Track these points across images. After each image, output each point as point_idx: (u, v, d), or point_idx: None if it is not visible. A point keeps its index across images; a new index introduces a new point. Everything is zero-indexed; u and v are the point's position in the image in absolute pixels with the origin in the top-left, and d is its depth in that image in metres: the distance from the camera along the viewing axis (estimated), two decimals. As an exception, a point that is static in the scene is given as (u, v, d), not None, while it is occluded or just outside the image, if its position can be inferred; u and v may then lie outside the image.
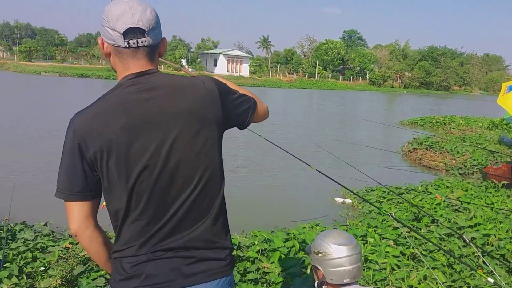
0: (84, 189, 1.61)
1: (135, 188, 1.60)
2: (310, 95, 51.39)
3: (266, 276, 4.07)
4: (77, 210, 1.63)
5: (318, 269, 2.31)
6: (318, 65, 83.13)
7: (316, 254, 2.30)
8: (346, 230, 5.50)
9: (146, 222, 1.63)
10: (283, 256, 4.44)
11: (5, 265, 4.32)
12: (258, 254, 4.51)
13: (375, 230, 5.43)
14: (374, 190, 8.15)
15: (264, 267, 4.16)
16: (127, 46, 1.56)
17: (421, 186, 8.40)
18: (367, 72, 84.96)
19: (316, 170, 4.59)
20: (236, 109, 1.78)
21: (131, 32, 1.54)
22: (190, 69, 44.66)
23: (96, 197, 1.66)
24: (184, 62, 71.34)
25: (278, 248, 4.48)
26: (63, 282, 3.91)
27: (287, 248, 4.52)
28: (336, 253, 2.24)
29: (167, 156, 1.59)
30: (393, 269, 4.33)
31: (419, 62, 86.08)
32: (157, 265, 1.63)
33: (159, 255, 1.64)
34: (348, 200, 7.78)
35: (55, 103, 24.58)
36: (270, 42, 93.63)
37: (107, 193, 1.64)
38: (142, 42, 1.56)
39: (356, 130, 20.78)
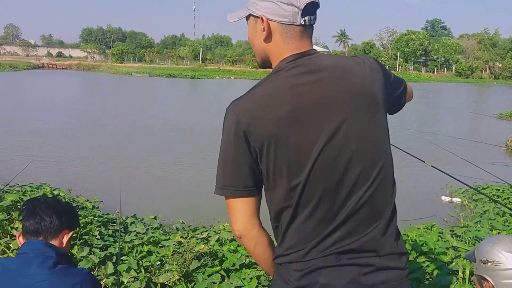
0: (250, 183, 1.45)
1: (307, 183, 1.41)
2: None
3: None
4: (242, 209, 1.48)
5: (486, 280, 2.01)
6: (399, 57, 79.71)
7: (484, 263, 2.00)
8: (464, 232, 5.04)
9: (317, 223, 1.44)
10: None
11: (121, 258, 4.47)
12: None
13: (499, 233, 4.91)
14: (485, 189, 7.47)
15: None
16: (303, 23, 1.40)
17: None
18: (453, 63, 79.91)
19: (432, 166, 4.27)
20: (395, 91, 1.62)
21: (310, 7, 1.40)
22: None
23: (260, 192, 1.50)
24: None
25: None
26: (180, 278, 3.94)
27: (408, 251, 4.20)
28: (510, 263, 1.93)
29: (341, 147, 1.40)
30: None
31: (510, 51, 79.29)
32: (332, 274, 1.43)
33: (332, 262, 1.43)
34: (457, 199, 7.21)
35: (156, 100, 25.84)
36: (347, 35, 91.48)
37: (271, 189, 1.47)
38: (312, 20, 1.42)
39: (446, 123, 19.53)
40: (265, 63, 1.55)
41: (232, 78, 57.26)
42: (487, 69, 78.11)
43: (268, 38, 1.45)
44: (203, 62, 72.31)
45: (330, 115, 1.40)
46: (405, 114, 22.74)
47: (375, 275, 1.44)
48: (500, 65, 78.09)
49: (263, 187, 1.50)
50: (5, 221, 5.40)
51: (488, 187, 7.50)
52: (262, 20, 1.42)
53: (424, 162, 4.43)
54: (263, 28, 1.44)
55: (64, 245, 1.94)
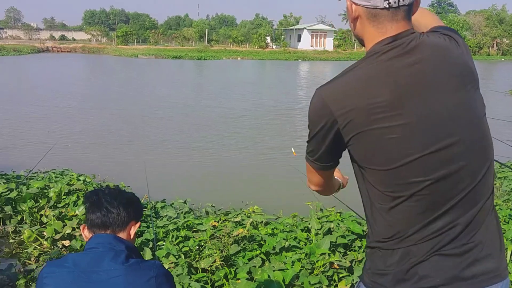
0: (332, 162, 1.53)
1: (406, 171, 1.33)
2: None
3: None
4: (319, 177, 1.61)
5: None
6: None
7: None
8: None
9: (420, 210, 1.35)
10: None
11: (157, 243, 4.42)
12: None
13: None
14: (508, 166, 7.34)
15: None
16: (387, 6, 1.32)
17: None
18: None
19: None
20: None
21: None
22: (274, 46, 44.38)
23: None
24: (268, 39, 71.15)
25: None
26: (222, 262, 3.88)
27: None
28: None
29: (446, 133, 1.31)
30: None
31: (519, 28, 77.79)
32: (431, 264, 1.36)
33: (432, 252, 1.36)
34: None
35: (168, 83, 25.70)
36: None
37: (368, 175, 1.40)
38: (400, 1, 1.31)
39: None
40: (363, 45, 1.49)
41: (239, 58, 56.76)
42: (495, 45, 76.79)
43: (355, 22, 1.42)
44: (208, 43, 71.65)
45: (431, 99, 1.31)
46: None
47: (475, 266, 1.37)
48: (508, 41, 76.71)
49: (357, 168, 1.47)
50: (34, 209, 5.37)
51: (510, 165, 7.37)
52: (348, 4, 1.41)
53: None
54: (350, 12, 1.42)
55: (131, 237, 1.86)
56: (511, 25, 79.74)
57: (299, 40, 72.51)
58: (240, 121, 14.16)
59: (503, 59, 69.14)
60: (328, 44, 71.44)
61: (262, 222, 4.72)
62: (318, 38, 72.36)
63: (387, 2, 1.31)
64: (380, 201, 1.40)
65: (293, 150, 7.78)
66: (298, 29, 74.51)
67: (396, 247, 1.39)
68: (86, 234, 1.83)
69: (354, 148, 1.38)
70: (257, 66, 46.43)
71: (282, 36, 74.35)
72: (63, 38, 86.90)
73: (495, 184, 6.80)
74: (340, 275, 3.50)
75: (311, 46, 69.85)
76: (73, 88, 22.68)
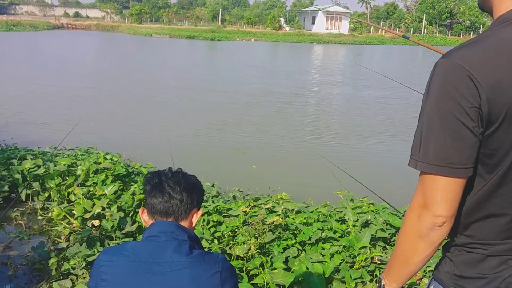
0: (472, 159, 1.17)
1: None
2: (416, 52, 47.98)
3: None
4: (449, 191, 1.18)
5: None
6: (424, 19, 77.12)
7: None
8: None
9: None
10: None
11: (188, 227, 4.37)
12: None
13: None
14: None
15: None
16: None
17: None
18: (480, 26, 77.08)
19: None
20: None
21: None
22: (288, 28, 43.74)
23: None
24: (282, 20, 70.26)
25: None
26: (257, 250, 3.82)
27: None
28: None
29: None
30: None
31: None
32: None
33: None
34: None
35: (188, 63, 25.57)
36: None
37: (488, 172, 1.21)
38: None
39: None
40: (483, 6, 1.34)
41: (253, 40, 56.22)
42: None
43: None
44: (222, 23, 70.99)
45: None
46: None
47: None
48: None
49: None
50: (62, 186, 5.34)
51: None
52: None
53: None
54: None
55: (193, 225, 1.74)
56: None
57: (313, 23, 71.48)
58: (264, 105, 14.04)
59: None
60: (344, 27, 70.38)
61: (293, 210, 4.64)
62: (333, 20, 71.26)
63: None
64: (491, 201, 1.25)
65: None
66: (313, 11, 73.41)
67: (492, 254, 1.27)
68: (145, 219, 1.71)
69: (495, 135, 1.16)
70: (271, 47, 45.97)
71: (296, 18, 73.35)
72: (77, 15, 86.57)
73: None
74: (382, 271, 3.41)
75: (326, 29, 68.88)
76: (92, 67, 22.62)
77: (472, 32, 78.23)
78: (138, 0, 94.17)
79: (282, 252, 3.77)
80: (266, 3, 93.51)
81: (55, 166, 5.62)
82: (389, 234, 3.82)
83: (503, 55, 1.12)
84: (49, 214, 4.87)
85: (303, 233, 3.93)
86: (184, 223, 1.68)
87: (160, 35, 53.65)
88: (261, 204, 4.90)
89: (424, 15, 78.11)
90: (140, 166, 6.14)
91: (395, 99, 15.62)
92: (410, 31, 74.99)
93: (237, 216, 4.36)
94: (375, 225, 3.91)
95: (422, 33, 73.92)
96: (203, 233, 4.01)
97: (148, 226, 1.67)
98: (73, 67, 21.04)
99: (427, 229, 1.22)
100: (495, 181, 1.21)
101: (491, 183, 1.21)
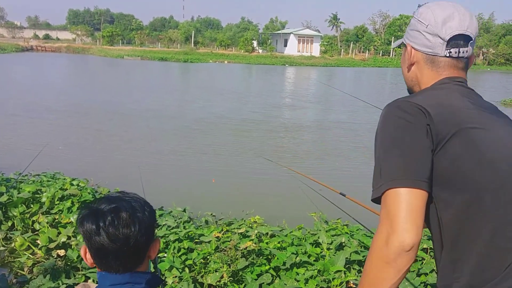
0: (426, 173, 1.21)
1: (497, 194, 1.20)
2: (386, 73, 49.25)
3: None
4: (418, 208, 1.18)
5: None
6: (393, 42, 79.42)
7: None
8: None
9: (504, 246, 1.20)
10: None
11: (159, 255, 4.21)
12: (425, 253, 4.06)
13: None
14: None
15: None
16: (447, 55, 1.36)
17: None
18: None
19: None
20: None
21: (456, 40, 1.35)
22: (260, 50, 44.42)
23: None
24: (255, 43, 71.11)
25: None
26: (230, 277, 3.70)
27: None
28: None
29: None
30: None
31: (505, 37, 79.30)
32: None
33: None
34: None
35: (155, 86, 25.35)
36: (339, 19, 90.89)
37: (447, 196, 1.23)
38: (463, 52, 1.36)
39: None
40: (411, 90, 1.52)
41: (226, 62, 56.55)
42: (481, 55, 78.21)
43: (412, 66, 1.45)
44: (195, 45, 71.24)
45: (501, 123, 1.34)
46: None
47: None
48: (494, 51, 78.12)
49: (434, 193, 1.26)
50: (26, 214, 5.11)
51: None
52: (409, 49, 1.44)
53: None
54: (408, 57, 1.44)
55: (152, 258, 1.46)
56: (497, 35, 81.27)
57: (285, 45, 72.63)
58: (237, 126, 13.99)
59: (488, 69, 70.45)
60: (315, 49, 71.72)
61: (267, 234, 4.55)
62: (305, 43, 72.59)
63: (448, 51, 1.35)
64: (459, 232, 1.25)
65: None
66: (285, 33, 74.68)
67: None
68: (90, 261, 1.35)
69: (445, 156, 1.26)
70: (244, 69, 46.32)
71: (269, 41, 74.42)
72: (47, 37, 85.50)
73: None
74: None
75: (298, 51, 70.03)
76: (61, 90, 22.19)
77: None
78: (109, 22, 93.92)
79: (256, 279, 3.68)
80: (239, 26, 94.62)
81: (19, 193, 5.39)
82: (363, 256, 3.77)
83: (440, 99, 1.31)
84: (12, 245, 4.64)
85: (277, 258, 3.84)
86: (140, 267, 1.38)
87: (132, 57, 53.34)
88: (234, 228, 4.80)
89: (393, 37, 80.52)
90: (108, 191, 5.96)
91: (364, 119, 15.86)
92: (379, 53, 77.06)
93: (209, 242, 4.24)
94: (350, 247, 3.87)
95: (391, 56, 76.05)
96: (174, 262, 3.87)
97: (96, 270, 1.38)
98: (39, 91, 20.57)
99: (394, 254, 1.17)
100: (461, 205, 1.22)
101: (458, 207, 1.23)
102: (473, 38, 1.36)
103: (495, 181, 1.21)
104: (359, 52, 79.11)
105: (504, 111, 1.41)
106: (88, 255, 1.34)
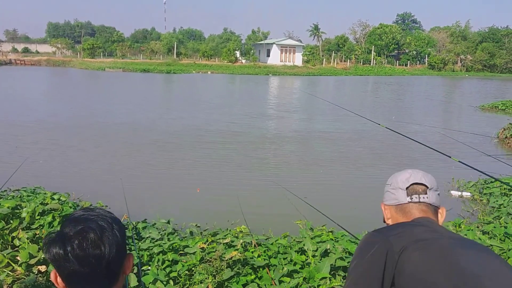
0: None
1: None
2: (367, 81, 49.80)
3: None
4: None
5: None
6: (373, 51, 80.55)
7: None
8: (492, 230, 4.94)
9: None
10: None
11: (142, 268, 4.14)
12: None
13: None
14: (493, 182, 7.44)
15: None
16: (410, 201, 1.64)
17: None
18: (425, 56, 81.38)
19: (459, 161, 4.28)
20: None
21: (414, 188, 1.65)
22: (244, 61, 44.70)
23: None
24: (238, 53, 71.37)
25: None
26: (215, 288, 3.66)
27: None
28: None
29: None
30: None
31: (481, 44, 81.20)
32: None
33: None
34: (467, 193, 7.15)
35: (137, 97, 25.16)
36: (320, 29, 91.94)
37: None
38: (424, 198, 1.63)
39: (429, 115, 19.73)
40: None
41: (209, 72, 56.55)
42: (459, 61, 79.78)
43: (389, 220, 1.72)
44: (177, 56, 71.11)
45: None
46: (409, 108, 23.01)
47: None
48: (471, 58, 79.81)
49: None
50: (5, 230, 4.99)
51: (495, 181, 7.47)
52: (383, 207, 1.76)
53: (450, 157, 4.37)
54: (385, 213, 1.75)
55: (127, 274, 1.37)
56: (474, 42, 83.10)
57: (268, 55, 73.07)
58: (217, 140, 13.95)
59: (467, 75, 71.89)
60: (297, 59, 72.31)
61: (252, 243, 4.52)
62: (287, 53, 73.18)
63: (409, 197, 1.64)
64: None
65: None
66: (268, 44, 75.18)
67: None
68: (61, 285, 1.26)
69: None
70: (228, 79, 46.36)
71: (252, 51, 74.77)
72: (26, 50, 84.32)
73: (482, 199, 6.86)
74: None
75: (281, 61, 70.50)
76: (42, 103, 21.88)
77: (418, 62, 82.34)
78: (90, 35, 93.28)
79: (241, 289, 3.64)
80: (221, 37, 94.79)
81: (-3, 209, 5.25)
82: (348, 262, 3.77)
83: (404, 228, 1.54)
84: (-10, 262, 4.51)
85: (266, 273, 3.81)
86: (117, 285, 1.31)
87: (113, 69, 52.93)
88: (219, 239, 4.75)
89: (373, 46, 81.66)
90: (90, 205, 5.86)
91: (348, 128, 15.98)
92: (360, 62, 78.00)
93: (194, 253, 4.19)
94: (334, 253, 3.86)
95: (372, 64, 77.02)
96: (158, 274, 3.82)
97: None
98: (18, 105, 20.25)
99: None
100: None
101: None
102: (430, 187, 1.64)
103: None
104: (340, 61, 79.97)
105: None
106: (59, 280, 1.25)
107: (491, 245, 4.21)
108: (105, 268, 1.22)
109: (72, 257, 1.17)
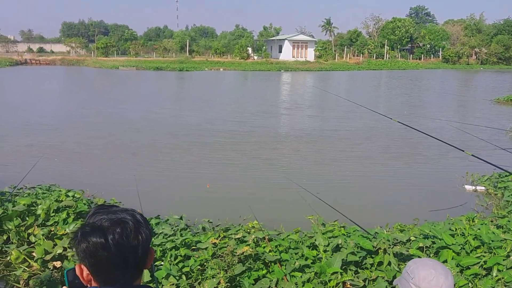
0: None
1: None
2: (380, 76, 49.37)
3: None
4: None
5: None
6: (386, 45, 79.74)
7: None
8: (506, 224, 4.88)
9: None
10: (454, 254, 3.94)
11: (155, 263, 4.18)
12: (422, 252, 4.04)
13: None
14: (508, 176, 7.33)
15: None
16: None
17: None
18: (439, 49, 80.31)
19: (473, 155, 4.27)
20: None
21: None
22: (256, 57, 44.65)
23: None
24: (250, 50, 71.28)
25: (449, 245, 3.98)
26: (227, 283, 3.69)
27: (460, 245, 4.01)
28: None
29: None
30: None
31: (496, 36, 79.77)
32: None
33: None
34: (481, 187, 7.06)
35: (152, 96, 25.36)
36: (333, 24, 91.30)
37: None
38: None
39: (443, 109, 19.49)
40: None
41: (221, 69, 56.62)
42: (473, 54, 78.53)
43: None
44: (190, 53, 71.29)
45: None
46: (426, 103, 22.85)
47: None
48: (486, 50, 78.47)
49: None
50: (21, 227, 5.08)
51: (509, 174, 7.36)
52: None
53: (464, 151, 4.34)
54: None
55: (147, 268, 1.40)
56: (488, 34, 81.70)
57: (280, 51, 72.82)
58: (233, 135, 13.98)
59: (481, 68, 70.76)
60: (310, 54, 71.92)
61: (264, 238, 4.53)
62: (300, 48, 72.82)
63: None
64: None
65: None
66: (279, 40, 74.91)
67: None
68: (87, 279, 1.32)
69: None
70: (239, 76, 46.38)
71: (264, 47, 74.60)
72: (41, 50, 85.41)
73: (496, 194, 6.77)
74: (354, 296, 3.34)
75: (293, 57, 70.20)
76: (56, 102, 22.16)
77: (432, 55, 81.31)
78: (104, 33, 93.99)
79: (253, 284, 3.66)
80: (233, 34, 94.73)
81: (13, 206, 5.35)
82: (359, 257, 3.76)
83: None
84: (7, 258, 4.61)
85: (277, 268, 3.83)
86: (138, 280, 1.36)
87: (127, 67, 53.36)
88: (231, 234, 4.78)
89: (386, 40, 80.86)
90: (104, 201, 5.94)
91: (362, 124, 15.88)
92: (373, 56, 77.29)
93: (206, 248, 4.22)
94: (346, 248, 3.85)
95: (385, 58, 76.27)
96: (170, 269, 3.85)
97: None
98: (33, 104, 20.55)
99: None
100: None
101: None
102: None
103: None
104: (353, 55, 79.35)
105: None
106: (85, 273, 1.29)
107: (505, 239, 4.16)
108: (139, 258, 1.28)
109: (112, 245, 1.22)
